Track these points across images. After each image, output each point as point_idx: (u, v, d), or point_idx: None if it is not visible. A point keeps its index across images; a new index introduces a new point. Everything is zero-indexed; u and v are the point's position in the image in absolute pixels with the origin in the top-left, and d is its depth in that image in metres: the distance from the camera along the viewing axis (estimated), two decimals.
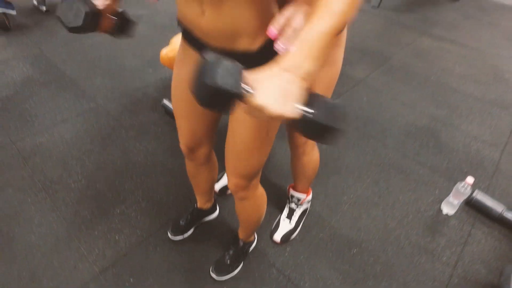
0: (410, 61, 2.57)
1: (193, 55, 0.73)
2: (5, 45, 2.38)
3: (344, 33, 0.89)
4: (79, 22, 0.70)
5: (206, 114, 0.85)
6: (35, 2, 2.92)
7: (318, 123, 0.46)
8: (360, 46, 2.68)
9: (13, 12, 2.53)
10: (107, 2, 0.73)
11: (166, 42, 2.49)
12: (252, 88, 0.45)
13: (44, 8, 2.84)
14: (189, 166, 1.06)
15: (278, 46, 0.55)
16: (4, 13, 2.49)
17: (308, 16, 0.49)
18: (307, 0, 0.54)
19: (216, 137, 0.97)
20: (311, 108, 0.46)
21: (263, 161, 0.83)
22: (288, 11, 0.55)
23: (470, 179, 1.36)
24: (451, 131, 1.90)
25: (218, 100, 0.46)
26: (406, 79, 2.33)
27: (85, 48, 2.39)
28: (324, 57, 0.47)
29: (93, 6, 0.71)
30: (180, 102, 0.84)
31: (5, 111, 1.79)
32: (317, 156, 1.13)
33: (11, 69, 2.13)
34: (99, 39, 2.50)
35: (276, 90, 0.45)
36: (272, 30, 0.55)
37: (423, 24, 3.26)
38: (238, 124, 0.74)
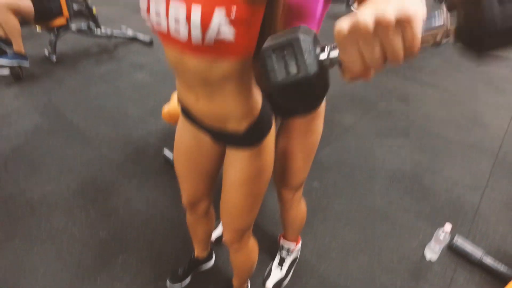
0: (396, 106, 2.74)
1: (190, 126, 0.87)
2: (17, 94, 2.55)
3: (324, 105, 1.04)
4: None
5: (205, 174, 0.97)
6: (46, 53, 3.14)
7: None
8: (349, 92, 2.87)
9: (27, 64, 2.74)
10: None
11: (166, 91, 2.66)
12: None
13: (54, 58, 3.06)
14: (190, 218, 1.17)
15: None
16: (19, 66, 2.69)
17: None
18: None
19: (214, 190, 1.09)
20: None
21: (255, 217, 0.95)
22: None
23: (448, 227, 1.47)
24: (434, 176, 2.02)
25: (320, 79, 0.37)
26: (392, 124, 2.49)
27: (91, 97, 2.56)
28: None
29: None
30: (182, 164, 0.97)
31: (16, 161, 1.91)
32: (304, 209, 1.25)
33: (22, 118, 2.29)
34: (104, 89, 2.69)
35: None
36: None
37: (408, 69, 3.49)
38: (231, 188, 0.86)
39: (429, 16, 0.34)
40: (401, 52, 0.32)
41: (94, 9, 3.24)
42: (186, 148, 0.91)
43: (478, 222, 1.75)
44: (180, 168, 0.97)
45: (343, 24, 0.32)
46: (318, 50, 0.37)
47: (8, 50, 2.91)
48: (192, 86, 0.71)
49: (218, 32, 0.56)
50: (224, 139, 0.80)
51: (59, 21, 2.91)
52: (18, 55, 2.66)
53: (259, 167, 0.80)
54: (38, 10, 2.64)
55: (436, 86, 3.17)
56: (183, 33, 0.58)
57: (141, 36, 3.56)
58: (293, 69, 0.36)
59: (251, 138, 0.76)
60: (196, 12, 0.54)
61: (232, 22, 0.56)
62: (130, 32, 3.60)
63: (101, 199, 1.70)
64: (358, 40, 0.32)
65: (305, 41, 0.36)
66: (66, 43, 3.40)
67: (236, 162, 0.80)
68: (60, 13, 2.85)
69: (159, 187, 1.78)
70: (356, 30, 0.31)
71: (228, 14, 0.54)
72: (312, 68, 0.36)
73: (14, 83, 2.70)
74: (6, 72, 2.72)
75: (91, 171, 1.86)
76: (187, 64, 0.65)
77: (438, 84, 3.21)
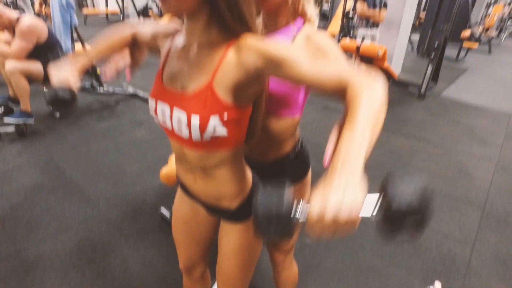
0: (385, 160, 2.87)
1: (187, 198, 0.95)
2: (20, 151, 2.65)
3: (310, 173, 1.13)
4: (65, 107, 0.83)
5: (201, 242, 1.04)
6: (50, 109, 3.30)
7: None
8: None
9: (31, 121, 2.87)
10: (84, 63, 0.87)
11: (164, 148, 2.77)
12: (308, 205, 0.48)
13: (58, 115, 3.20)
14: (186, 282, 1.21)
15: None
16: (24, 123, 2.82)
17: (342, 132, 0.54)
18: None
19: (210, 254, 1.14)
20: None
21: (249, 281, 1.00)
22: (332, 139, 0.61)
23: (438, 285, 1.50)
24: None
25: (279, 226, 0.49)
26: (380, 180, 2.59)
27: (91, 153, 2.66)
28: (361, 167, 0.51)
29: (74, 95, 0.83)
30: (179, 232, 1.04)
31: (14, 219, 1.95)
32: (295, 270, 1.29)
33: (23, 175, 2.35)
34: (104, 145, 2.80)
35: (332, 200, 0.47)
36: (327, 159, 0.58)
37: (394, 122, 3.68)
38: (225, 258, 0.93)
39: (366, 204, 0.49)
40: (345, 232, 0.49)
41: (98, 70, 3.46)
42: (183, 217, 0.99)
43: (470, 278, 1.77)
44: (178, 236, 1.04)
45: (314, 214, 0.48)
46: (293, 211, 0.50)
47: (15, 109, 3.06)
48: (191, 169, 0.81)
49: (214, 131, 0.68)
50: (218, 213, 0.89)
51: None
52: (24, 114, 2.80)
53: (251, 239, 0.88)
54: (47, 73, 2.83)
55: (422, 139, 3.33)
56: (185, 133, 0.69)
57: (141, 93, 3.76)
58: (276, 229, 0.50)
59: (242, 214, 0.84)
60: (195, 120, 0.66)
61: (225, 123, 0.68)
62: (130, 89, 3.81)
63: (97, 259, 1.72)
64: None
65: (287, 208, 0.49)
66: None
67: (230, 234, 0.87)
68: None
69: (156, 246, 1.81)
70: (320, 220, 0.48)
71: (221, 118, 0.67)
72: (291, 229, 0.50)
73: (18, 139, 2.80)
74: (11, 129, 2.84)
75: (88, 229, 1.90)
76: (188, 154, 0.77)
77: (424, 137, 3.38)
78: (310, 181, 1.13)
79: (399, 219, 0.46)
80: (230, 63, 0.66)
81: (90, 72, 3.52)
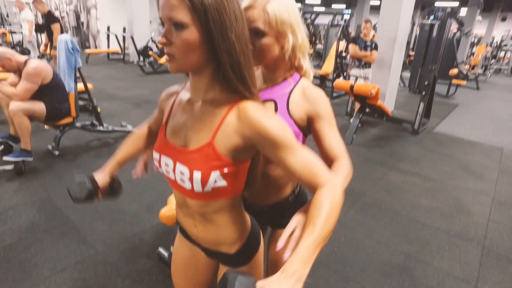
0: (381, 197, 2.88)
1: (187, 241, 0.96)
2: (16, 190, 2.63)
3: None
4: (82, 195, 0.92)
5: (200, 285, 1.03)
6: (49, 147, 3.32)
7: None
8: None
9: (30, 159, 2.88)
10: (106, 179, 0.99)
11: (162, 186, 2.78)
12: None
13: (56, 153, 3.23)
14: None
15: (285, 254, 0.68)
16: (22, 161, 2.83)
17: (303, 228, 0.66)
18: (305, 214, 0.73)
19: None
20: None
21: None
22: (290, 226, 0.72)
23: None
24: (424, 268, 2.05)
25: None
26: (379, 215, 2.59)
27: None
28: (315, 258, 0.63)
29: (96, 185, 0.95)
30: (179, 275, 1.03)
31: (6, 261, 1.90)
32: None
33: (18, 214, 2.33)
34: None
35: None
36: (279, 245, 0.70)
37: (390, 158, 3.74)
38: None
39: None
40: None
41: (99, 109, 3.54)
42: (183, 260, 0.99)
43: None
44: (177, 279, 1.03)
45: None
46: None
47: (15, 146, 3.09)
48: (191, 214, 0.84)
49: (215, 183, 0.72)
50: (216, 257, 0.91)
51: (66, 120, 3.16)
52: (24, 152, 2.82)
53: None
54: (49, 112, 2.90)
55: (417, 174, 3.37)
56: (187, 185, 0.74)
57: None
58: None
59: (241, 258, 0.86)
60: (197, 175, 0.71)
61: (225, 176, 0.72)
62: (129, 127, 3.88)
63: None
64: None
65: None
66: (69, 137, 3.62)
67: None
68: (68, 114, 3.11)
69: None
70: None
71: (221, 173, 0.71)
72: None
73: (15, 178, 2.80)
74: (10, 167, 2.84)
75: (84, 270, 1.85)
76: (189, 202, 0.80)
77: (419, 172, 3.42)
78: None
79: None
80: (230, 126, 0.70)
81: (91, 110, 3.59)
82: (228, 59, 0.66)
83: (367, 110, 4.41)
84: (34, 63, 2.71)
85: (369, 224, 2.46)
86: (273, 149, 0.68)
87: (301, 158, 0.68)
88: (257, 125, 0.67)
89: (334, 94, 6.49)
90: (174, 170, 0.75)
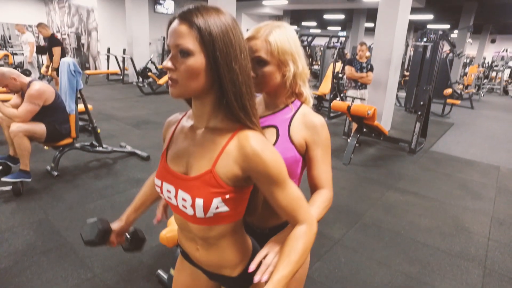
0: (381, 216, 2.88)
1: (188, 264, 0.96)
2: (14, 211, 2.61)
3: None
4: (92, 236, 0.94)
5: None
6: (48, 168, 3.32)
7: None
8: (336, 204, 3.01)
9: (29, 180, 2.88)
10: (122, 225, 1.00)
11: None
12: None
13: (55, 173, 3.22)
14: None
15: (256, 277, 0.75)
16: (21, 181, 2.83)
17: (279, 258, 0.74)
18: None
19: None
20: None
21: None
22: (263, 252, 0.80)
23: None
24: None
25: None
26: (379, 236, 2.58)
27: (87, 213, 2.63)
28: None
29: (107, 226, 0.96)
30: None
31: (1, 286, 1.86)
32: None
33: (15, 236, 2.30)
34: (101, 204, 2.78)
35: None
36: (251, 267, 0.77)
37: (388, 178, 3.76)
38: None
39: None
40: None
41: (99, 130, 3.57)
42: (184, 283, 0.99)
43: None
44: None
45: None
46: None
47: (13, 167, 3.09)
48: (193, 238, 0.85)
49: (217, 209, 0.74)
50: (219, 280, 0.91)
51: (66, 141, 3.17)
52: (23, 173, 2.82)
53: None
54: (50, 133, 2.91)
55: (416, 194, 3.38)
56: (189, 211, 0.75)
57: (139, 152, 3.84)
58: None
59: (243, 281, 0.86)
60: (199, 202, 0.72)
61: (227, 202, 0.74)
62: (129, 148, 3.89)
63: None
64: None
65: None
66: (68, 157, 3.62)
67: None
68: (68, 134, 3.13)
69: None
70: None
71: (223, 199, 0.73)
72: None
73: (13, 199, 2.78)
74: (7, 188, 2.83)
75: None
76: (191, 227, 0.82)
77: (418, 192, 3.43)
78: None
79: None
80: (230, 155, 0.72)
81: (90, 131, 3.62)
82: (232, 88, 0.69)
83: (364, 130, 4.46)
84: (37, 85, 2.76)
85: (369, 245, 2.45)
86: (265, 183, 0.73)
87: (289, 196, 0.75)
88: (254, 160, 0.70)
89: (332, 114, 6.57)
90: (176, 197, 0.77)
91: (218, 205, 0.73)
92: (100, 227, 0.95)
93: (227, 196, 0.73)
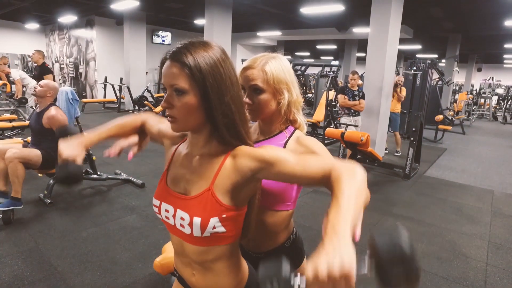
0: None
1: None
2: (3, 240, 2.55)
3: (305, 262, 1.14)
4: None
5: None
6: (41, 195, 3.27)
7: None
8: None
9: (20, 207, 2.83)
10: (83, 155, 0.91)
11: (156, 235, 2.73)
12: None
13: (48, 201, 3.17)
14: None
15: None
16: (11, 210, 2.77)
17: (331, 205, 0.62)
18: None
19: None
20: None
21: None
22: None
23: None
24: None
25: None
26: None
27: (79, 241, 2.58)
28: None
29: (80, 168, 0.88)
30: None
31: None
32: None
33: (3, 267, 2.23)
34: (94, 232, 2.73)
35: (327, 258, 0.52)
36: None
37: (383, 203, 3.75)
38: None
39: (358, 264, 0.54)
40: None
41: (94, 157, 3.57)
42: None
43: None
44: None
45: (310, 273, 0.52)
46: (292, 279, 0.55)
47: (3, 200, 2.98)
48: (189, 263, 0.85)
49: (213, 229, 0.75)
50: None
51: None
52: (14, 200, 2.77)
53: None
54: (45, 161, 2.91)
55: (411, 219, 3.37)
56: (186, 230, 0.77)
57: (134, 179, 3.82)
58: None
59: None
60: (197, 221, 0.74)
61: (223, 221, 0.76)
62: (123, 175, 3.88)
63: None
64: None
65: (285, 275, 0.55)
66: None
67: None
68: None
69: None
70: (315, 280, 0.52)
71: (220, 218, 0.75)
72: None
73: (3, 227, 2.72)
74: None
75: None
76: (187, 248, 0.82)
77: (413, 217, 3.42)
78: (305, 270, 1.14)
79: (391, 268, 0.51)
80: (227, 168, 0.76)
81: (85, 158, 3.61)
82: (223, 120, 0.74)
83: (359, 156, 4.51)
84: (53, 111, 2.82)
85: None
86: (270, 168, 0.72)
87: (297, 162, 0.71)
88: (252, 153, 0.74)
89: (326, 141, 6.64)
90: (174, 216, 0.79)
91: (215, 224, 0.74)
92: (78, 172, 0.87)
93: (224, 216, 0.74)
